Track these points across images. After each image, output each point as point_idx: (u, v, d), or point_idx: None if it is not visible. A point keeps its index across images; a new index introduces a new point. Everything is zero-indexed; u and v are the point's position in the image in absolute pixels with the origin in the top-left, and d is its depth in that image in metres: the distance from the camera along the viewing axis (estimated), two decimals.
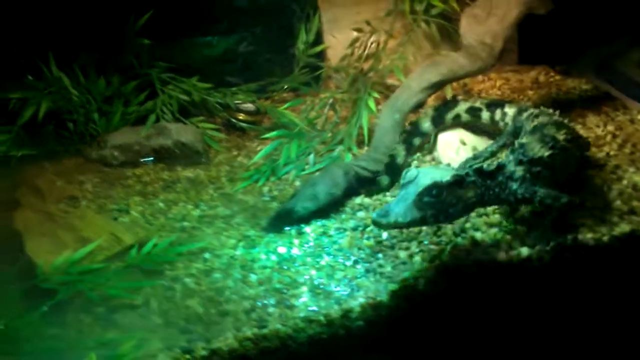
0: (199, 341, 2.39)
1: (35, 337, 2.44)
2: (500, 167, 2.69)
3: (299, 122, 4.00)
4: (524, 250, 2.61)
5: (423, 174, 2.53)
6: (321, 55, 4.48)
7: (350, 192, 3.26)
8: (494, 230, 2.79)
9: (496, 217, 2.87)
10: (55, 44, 4.03)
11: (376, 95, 3.79)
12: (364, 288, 2.60)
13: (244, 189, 3.58)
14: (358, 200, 3.26)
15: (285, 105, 4.11)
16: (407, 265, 2.69)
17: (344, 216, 3.16)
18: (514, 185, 2.67)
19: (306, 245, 2.97)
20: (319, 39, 4.47)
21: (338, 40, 4.44)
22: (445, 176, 2.53)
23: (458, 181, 2.55)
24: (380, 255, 2.79)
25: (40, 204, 3.41)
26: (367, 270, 2.71)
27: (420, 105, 3.50)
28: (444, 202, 2.51)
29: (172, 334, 2.47)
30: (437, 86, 3.46)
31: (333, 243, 2.93)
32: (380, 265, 2.73)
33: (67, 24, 4.08)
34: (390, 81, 4.22)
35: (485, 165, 2.68)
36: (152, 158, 3.90)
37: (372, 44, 4.12)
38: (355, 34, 4.27)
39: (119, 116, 4.14)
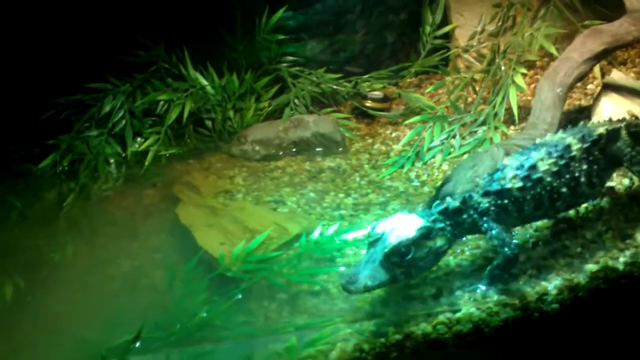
0: (389, 326, 2.39)
1: (230, 323, 2.53)
2: (466, 201, 2.50)
3: (436, 106, 3.92)
4: None
5: (389, 229, 2.41)
6: (448, 36, 4.40)
7: None
8: None
9: None
10: (188, 44, 4.20)
11: (524, 71, 3.63)
12: (554, 269, 2.49)
13: (390, 175, 3.55)
14: None
15: (429, 89, 4.05)
16: (598, 244, 2.55)
17: None
18: (477, 217, 2.49)
19: None
20: (444, 19, 4.39)
21: (465, 18, 4.32)
22: (411, 230, 2.39)
23: (425, 234, 2.42)
24: (562, 235, 2.67)
25: (199, 198, 3.55)
26: (553, 252, 2.59)
27: (582, 77, 3.30)
28: (412, 258, 2.39)
29: (359, 318, 2.48)
30: (601, 56, 3.25)
31: None
32: (565, 247, 2.61)
33: (199, 24, 4.24)
34: (529, 56, 4.06)
35: (450, 204, 2.48)
36: (293, 150, 3.98)
37: (508, 18, 3.97)
38: (483, 10, 4.14)
39: (252, 112, 4.24)
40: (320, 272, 2.77)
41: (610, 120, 2.76)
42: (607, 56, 3.38)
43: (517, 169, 2.53)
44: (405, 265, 2.40)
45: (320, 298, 2.65)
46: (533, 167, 2.53)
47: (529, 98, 3.76)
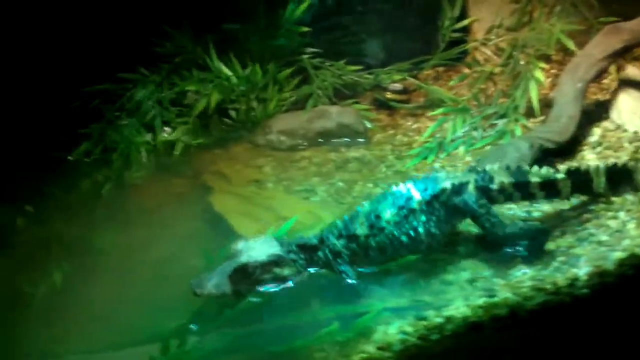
0: (429, 309, 2.53)
1: (273, 309, 2.67)
2: (323, 240, 2.76)
3: (457, 98, 4.04)
4: None
5: (247, 249, 2.67)
6: (466, 29, 4.50)
7: (535, 163, 3.28)
8: None
9: None
10: (212, 35, 4.25)
11: (543, 65, 3.76)
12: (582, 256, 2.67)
13: (415, 166, 3.68)
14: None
15: (453, 81, 4.16)
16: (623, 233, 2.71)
17: None
18: (331, 257, 2.73)
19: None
20: (463, 13, 4.49)
21: (483, 12, 4.43)
22: (263, 254, 2.65)
23: (275, 261, 2.65)
24: (588, 224, 2.83)
25: (230, 187, 3.66)
26: (579, 239, 2.76)
27: (602, 73, 3.45)
28: (257, 279, 2.65)
29: (402, 303, 2.62)
30: (621, 53, 3.40)
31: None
32: (591, 234, 2.78)
33: (223, 15, 4.30)
34: (546, 51, 4.17)
35: (309, 241, 2.75)
36: (318, 140, 4.09)
37: (526, 13, 4.08)
38: (501, 4, 4.25)
39: (275, 102, 4.33)
40: None
41: (470, 170, 2.89)
42: (626, 53, 3.52)
43: (366, 216, 2.75)
44: (250, 284, 2.65)
45: (359, 285, 2.78)
46: (378, 216, 2.74)
47: (546, 91, 3.91)
